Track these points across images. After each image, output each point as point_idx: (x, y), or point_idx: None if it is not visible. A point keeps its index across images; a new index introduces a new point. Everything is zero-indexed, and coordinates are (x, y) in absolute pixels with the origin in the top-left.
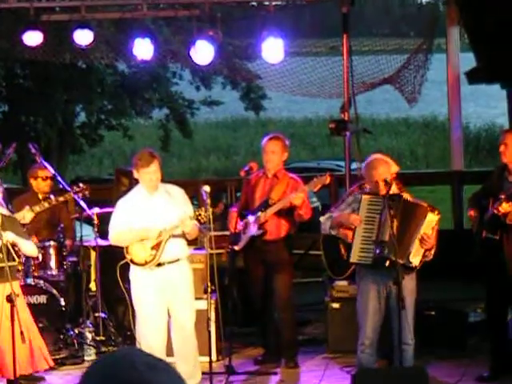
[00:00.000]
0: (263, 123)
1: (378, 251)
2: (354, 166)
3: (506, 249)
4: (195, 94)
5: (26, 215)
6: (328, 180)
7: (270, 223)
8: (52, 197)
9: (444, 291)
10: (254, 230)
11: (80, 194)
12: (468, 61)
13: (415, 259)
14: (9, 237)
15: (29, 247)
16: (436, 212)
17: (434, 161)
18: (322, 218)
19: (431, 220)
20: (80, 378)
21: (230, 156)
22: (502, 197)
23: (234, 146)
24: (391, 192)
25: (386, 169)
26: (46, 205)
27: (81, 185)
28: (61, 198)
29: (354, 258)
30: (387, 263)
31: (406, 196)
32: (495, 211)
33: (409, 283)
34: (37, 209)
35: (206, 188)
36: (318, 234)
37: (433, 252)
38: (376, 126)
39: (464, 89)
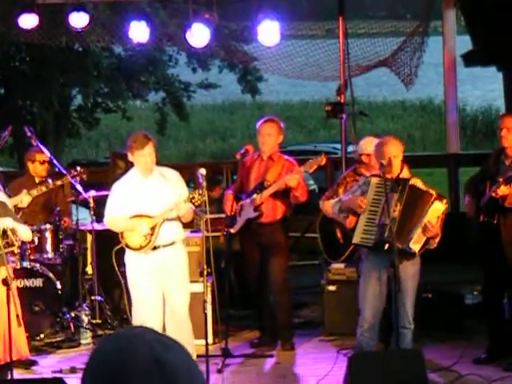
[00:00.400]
0: (260, 106)
1: (379, 233)
2: (350, 148)
3: (504, 232)
4: (192, 77)
5: (23, 199)
6: (323, 161)
7: (266, 205)
8: (49, 180)
9: (440, 274)
10: (249, 213)
11: (77, 178)
12: (464, 43)
13: (415, 246)
14: (7, 222)
15: (25, 232)
16: (444, 201)
17: (430, 144)
18: (328, 202)
19: (437, 208)
20: (93, 350)
21: (227, 139)
22: (500, 180)
23: (230, 128)
24: (402, 176)
25: (397, 147)
26: (44, 188)
27: (78, 168)
28: (58, 182)
29: (357, 239)
30: (386, 246)
31: (416, 181)
32: (493, 194)
33: (410, 268)
34: (34, 193)
35: (202, 171)
36: (315, 217)
37: (437, 241)
38: (372, 109)
39: (461, 71)
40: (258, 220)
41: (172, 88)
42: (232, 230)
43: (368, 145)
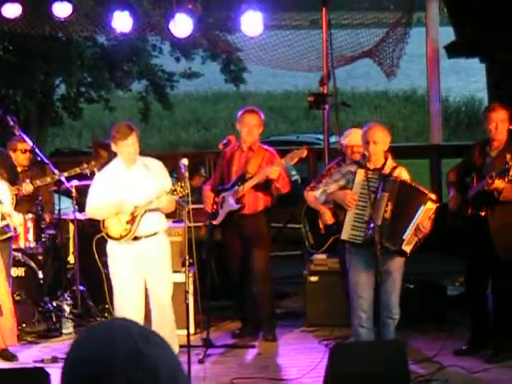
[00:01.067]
0: (243, 96)
1: (369, 232)
2: (332, 139)
3: (492, 224)
4: (175, 67)
5: (25, 188)
6: (305, 153)
7: (248, 197)
8: (56, 171)
9: (423, 264)
10: (231, 205)
11: (88, 170)
12: (448, 34)
13: (407, 247)
14: (7, 208)
15: (18, 219)
16: (435, 199)
17: (413, 135)
18: (312, 193)
19: (430, 208)
20: (74, 340)
21: (210, 129)
22: (493, 174)
23: (213, 118)
24: (386, 167)
25: (379, 134)
26: (49, 179)
27: (92, 161)
28: (65, 174)
29: (345, 235)
30: (378, 249)
31: (405, 175)
32: (486, 188)
33: (398, 260)
34: (38, 182)
35: (185, 161)
36: (297, 208)
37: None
38: (356, 100)
39: (444, 62)
40: (239, 212)
41: (155, 77)
42: (214, 222)
43: (355, 136)
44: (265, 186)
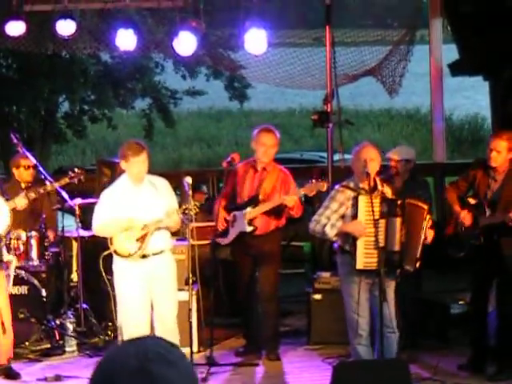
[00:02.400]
0: (246, 114)
1: (386, 259)
2: (336, 157)
3: (506, 252)
4: (179, 85)
5: (19, 202)
6: (325, 188)
7: (260, 219)
8: (48, 183)
9: (425, 283)
10: (243, 226)
11: (76, 179)
12: (452, 52)
13: (418, 264)
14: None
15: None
16: (429, 209)
17: (416, 153)
18: (321, 227)
19: (428, 220)
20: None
21: (213, 146)
22: None
23: (216, 136)
24: (379, 185)
25: (374, 151)
26: (42, 191)
27: (76, 170)
28: (56, 184)
29: (360, 264)
30: (398, 272)
31: (388, 191)
32: (508, 222)
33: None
34: (32, 195)
35: (188, 179)
36: (300, 226)
37: None
38: (359, 118)
39: (448, 80)
40: (251, 233)
41: (159, 95)
42: (225, 241)
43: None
44: (277, 209)
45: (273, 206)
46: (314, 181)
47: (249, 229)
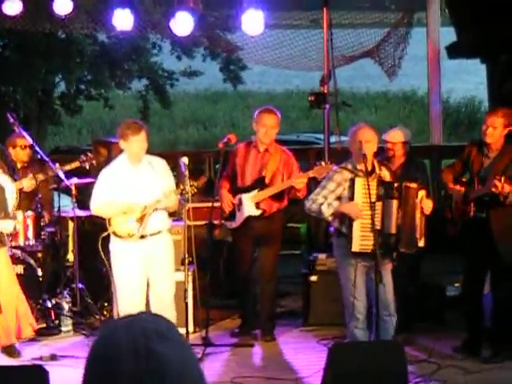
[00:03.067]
0: (242, 95)
1: (382, 242)
2: (332, 139)
3: (494, 227)
4: (175, 66)
5: (26, 183)
6: (332, 169)
7: (264, 201)
8: (57, 164)
9: (421, 264)
10: (252, 210)
11: (87, 164)
12: (449, 35)
13: (421, 242)
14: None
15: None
16: (419, 185)
17: (413, 135)
18: (317, 206)
19: (422, 196)
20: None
21: (209, 128)
22: (502, 178)
23: (213, 117)
24: (376, 167)
25: (370, 133)
26: (50, 173)
27: (88, 154)
28: (66, 167)
29: (356, 247)
30: (394, 255)
31: (387, 174)
32: (494, 190)
33: (387, 259)
34: (40, 177)
35: (185, 160)
36: (296, 207)
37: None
38: (356, 100)
39: (445, 63)
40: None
41: (155, 76)
42: (233, 225)
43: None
44: (281, 190)
45: (282, 188)
46: (322, 163)
47: (257, 212)
